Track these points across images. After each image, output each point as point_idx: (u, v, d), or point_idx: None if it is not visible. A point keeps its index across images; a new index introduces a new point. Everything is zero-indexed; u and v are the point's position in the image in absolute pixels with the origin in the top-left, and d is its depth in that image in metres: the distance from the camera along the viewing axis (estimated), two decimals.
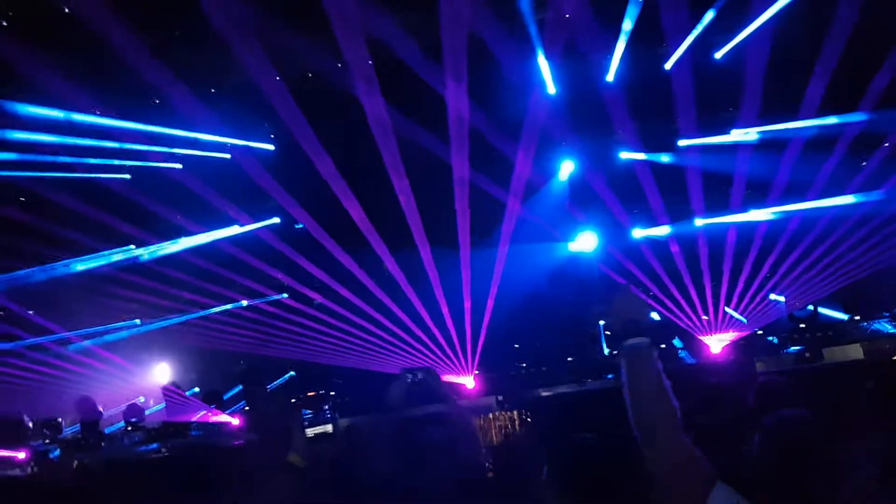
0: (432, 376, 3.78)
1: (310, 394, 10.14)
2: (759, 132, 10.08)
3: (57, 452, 8.82)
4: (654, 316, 10.41)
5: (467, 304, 10.49)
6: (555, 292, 10.71)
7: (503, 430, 8.67)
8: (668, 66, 10.37)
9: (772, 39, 9.40)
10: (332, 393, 10.12)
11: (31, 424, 9.93)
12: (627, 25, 9.51)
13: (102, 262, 10.52)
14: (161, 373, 11.69)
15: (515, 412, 8.02)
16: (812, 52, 9.37)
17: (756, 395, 3.61)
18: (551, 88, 10.57)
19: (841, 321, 9.13)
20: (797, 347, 8.38)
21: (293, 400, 10.22)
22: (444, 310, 10.56)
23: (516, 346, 9.99)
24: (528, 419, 8.08)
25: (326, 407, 9.86)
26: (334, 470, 3.75)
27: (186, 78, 9.80)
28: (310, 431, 8.62)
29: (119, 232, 10.74)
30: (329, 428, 8.78)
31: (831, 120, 9.53)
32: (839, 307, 9.33)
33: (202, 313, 11.10)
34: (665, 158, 10.60)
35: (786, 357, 8.32)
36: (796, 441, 2.54)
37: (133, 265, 10.67)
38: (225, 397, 10.36)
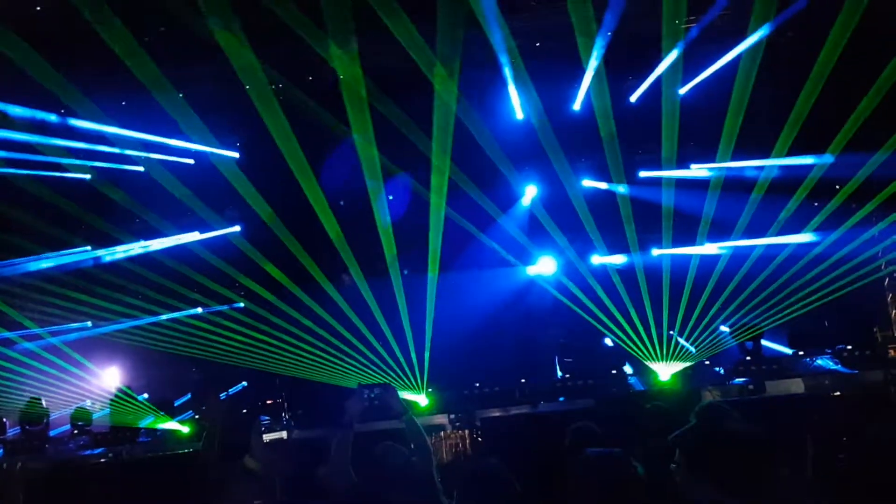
0: (389, 393, 3.83)
1: (268, 402, 10.06)
2: (717, 169, 10.39)
3: (0, 453, 8.65)
4: (608, 342, 10.60)
5: (421, 323, 10.53)
6: (511, 315, 10.83)
7: (454, 449, 8.72)
8: (633, 98, 10.66)
9: (734, 80, 9.73)
10: (280, 401, 10.07)
11: None
12: (594, 59, 9.72)
13: (57, 262, 10.35)
14: (110, 377, 11.48)
15: (467, 431, 8.08)
16: (772, 94, 9.75)
17: (697, 416, 3.74)
18: (519, 114, 10.76)
19: (785, 355, 9.42)
20: (742, 379, 8.62)
21: (249, 407, 10.15)
22: (401, 327, 10.60)
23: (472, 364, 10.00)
24: (479, 439, 8.14)
25: (284, 415, 9.80)
26: (292, 482, 3.78)
27: (154, 81, 9.77)
28: (266, 437, 8.58)
29: (76, 232, 10.60)
30: (284, 435, 8.74)
31: (787, 161, 9.86)
32: (783, 342, 9.63)
33: (155, 318, 10.96)
34: (625, 189, 10.83)
35: (731, 388, 8.54)
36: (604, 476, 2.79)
37: (87, 266, 10.51)
38: (175, 404, 10.24)
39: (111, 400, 10.06)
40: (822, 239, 9.60)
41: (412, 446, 3.71)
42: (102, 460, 8.01)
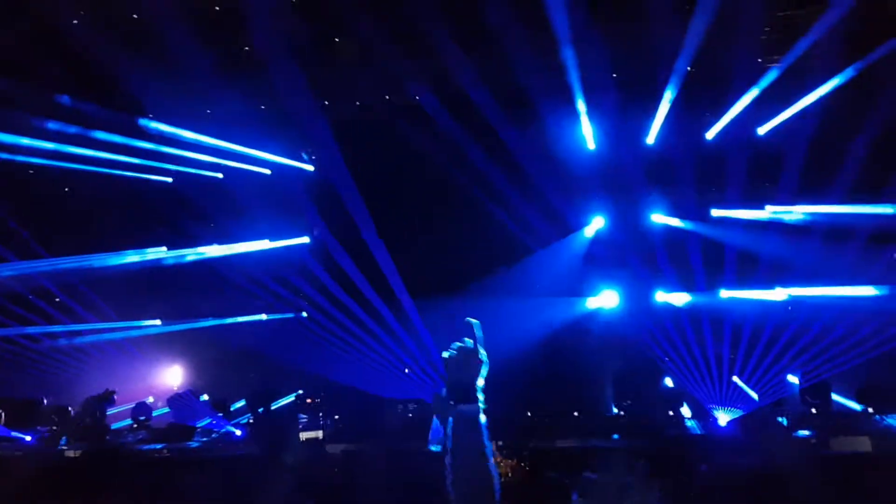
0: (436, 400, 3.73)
1: (307, 399, 10.16)
2: (794, 212, 10.06)
3: (64, 441, 9.01)
4: (668, 382, 10.32)
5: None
6: (568, 346, 10.65)
7: (502, 478, 8.60)
8: (709, 135, 10.44)
9: (816, 122, 9.46)
10: (318, 400, 10.18)
11: (44, 409, 10.21)
12: (670, 94, 9.63)
13: (134, 259, 10.73)
14: (174, 375, 11.83)
15: (515, 460, 7.95)
16: (854, 139, 9.41)
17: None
18: (591, 144, 10.69)
19: (853, 411, 8.97)
20: (806, 432, 8.24)
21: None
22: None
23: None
24: (527, 468, 8.00)
25: (320, 413, 9.90)
26: (330, 495, 3.80)
27: (241, 92, 10.14)
28: (303, 435, 8.73)
29: (154, 232, 10.99)
30: (319, 434, 8.87)
31: (866, 208, 9.49)
32: (853, 396, 9.16)
33: (222, 321, 11.24)
34: (696, 227, 10.60)
35: (793, 441, 8.17)
36: None
37: (162, 266, 10.87)
38: (231, 408, 10.46)
39: (172, 398, 10.37)
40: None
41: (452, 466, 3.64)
42: (157, 455, 8.23)
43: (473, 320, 4.02)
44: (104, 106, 9.63)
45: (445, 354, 3.91)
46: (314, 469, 3.82)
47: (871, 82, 8.96)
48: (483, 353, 3.73)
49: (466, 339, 3.84)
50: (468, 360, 3.71)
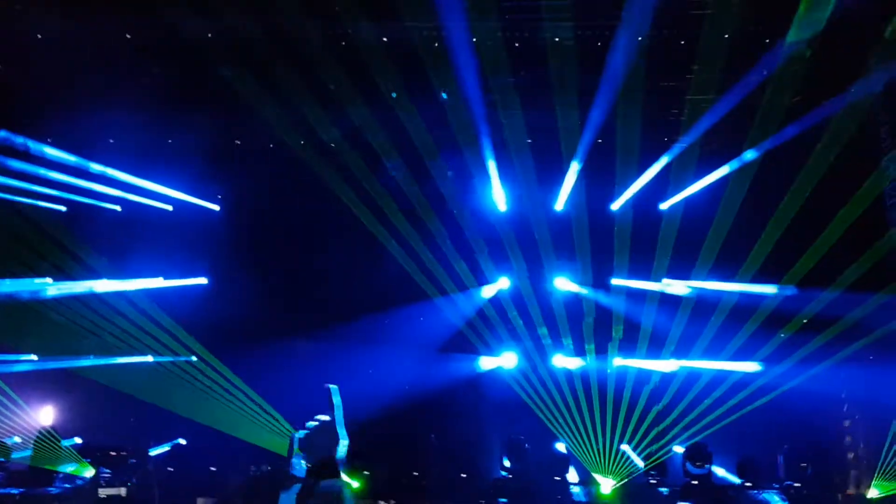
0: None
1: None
2: (688, 286, 10.38)
3: None
4: (561, 447, 10.30)
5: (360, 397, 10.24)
6: (460, 403, 10.57)
7: None
8: (614, 206, 10.72)
9: (715, 200, 9.85)
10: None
11: None
12: (577, 163, 9.88)
13: (14, 289, 10.12)
14: (44, 415, 11.06)
15: None
16: (752, 220, 9.83)
17: None
18: (502, 206, 10.81)
19: (732, 484, 9.10)
20: (685, 503, 8.28)
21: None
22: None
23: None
24: None
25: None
26: None
27: (146, 123, 9.90)
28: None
29: (41, 262, 10.42)
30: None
31: (759, 288, 9.87)
32: (733, 470, 9.32)
33: (104, 360, 10.65)
34: (596, 295, 10.79)
35: None
36: None
37: (45, 298, 10.28)
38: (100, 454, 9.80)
39: (35, 439, 9.66)
40: (776, 369, 9.51)
41: None
42: (10, 501, 7.62)
43: (332, 386, 3.72)
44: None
45: (300, 434, 3.53)
46: None
47: (769, 166, 9.45)
48: (342, 431, 3.37)
49: (319, 416, 3.49)
50: (329, 439, 3.30)
